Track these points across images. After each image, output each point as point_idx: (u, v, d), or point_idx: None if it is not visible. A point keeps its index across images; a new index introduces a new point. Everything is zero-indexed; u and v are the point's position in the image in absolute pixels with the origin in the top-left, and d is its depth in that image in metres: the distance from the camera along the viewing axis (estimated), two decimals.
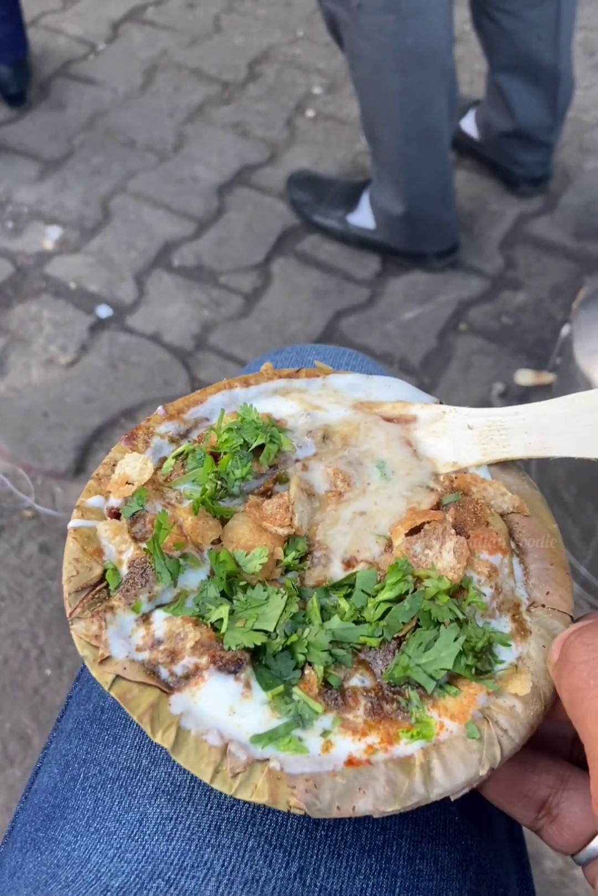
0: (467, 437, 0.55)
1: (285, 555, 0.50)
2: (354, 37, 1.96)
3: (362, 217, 2.40)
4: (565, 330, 1.69)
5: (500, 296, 2.32)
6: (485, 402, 2.07)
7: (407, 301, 2.31)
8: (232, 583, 0.49)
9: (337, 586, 0.49)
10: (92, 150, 2.74)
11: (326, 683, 0.46)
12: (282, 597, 0.47)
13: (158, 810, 0.50)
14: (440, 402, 0.59)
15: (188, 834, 0.49)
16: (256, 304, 2.31)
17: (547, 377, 2.09)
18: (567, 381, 1.56)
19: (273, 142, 2.78)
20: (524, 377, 2.12)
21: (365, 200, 2.40)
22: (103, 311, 2.29)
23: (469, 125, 2.58)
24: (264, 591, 0.48)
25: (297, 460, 0.55)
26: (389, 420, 0.57)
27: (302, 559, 0.51)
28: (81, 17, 3.26)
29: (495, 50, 2.31)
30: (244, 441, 0.54)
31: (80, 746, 0.57)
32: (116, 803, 0.51)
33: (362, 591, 0.49)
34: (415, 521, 0.50)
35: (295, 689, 0.45)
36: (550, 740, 0.50)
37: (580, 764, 0.48)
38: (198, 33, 3.21)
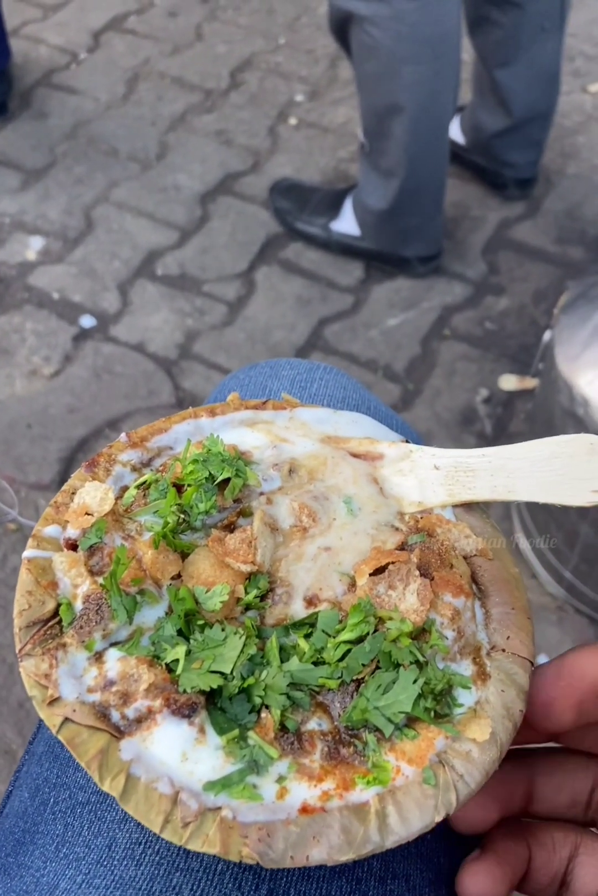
0: (433, 477, 0.55)
1: (247, 592, 0.49)
2: (369, 29, 1.98)
3: (346, 224, 2.41)
4: (547, 335, 1.70)
5: (483, 301, 2.33)
6: (470, 408, 2.08)
7: (391, 308, 2.32)
8: (190, 621, 0.47)
9: (298, 625, 0.48)
10: (74, 159, 2.74)
11: (282, 727, 0.45)
12: (240, 637, 0.46)
13: (128, 835, 0.50)
14: (407, 441, 0.58)
15: (157, 858, 0.49)
16: (241, 312, 2.31)
17: (531, 382, 2.10)
18: (550, 387, 1.56)
19: (256, 150, 2.78)
20: (508, 382, 2.13)
21: (348, 207, 2.40)
22: (87, 321, 2.28)
23: (454, 131, 2.60)
24: (223, 630, 0.46)
25: (261, 494, 0.54)
26: (356, 456, 0.56)
27: (263, 596, 0.49)
28: (63, 27, 3.26)
29: (496, 46, 2.35)
30: (210, 474, 0.52)
31: (51, 770, 0.56)
32: (86, 828, 0.51)
33: (323, 631, 0.48)
34: (380, 560, 0.49)
35: (250, 734, 0.44)
36: (564, 807, 0.50)
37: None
38: (180, 42, 3.21)
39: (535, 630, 0.51)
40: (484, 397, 2.10)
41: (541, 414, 1.63)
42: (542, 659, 1.65)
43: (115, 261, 2.43)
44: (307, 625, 0.48)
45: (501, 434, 2.01)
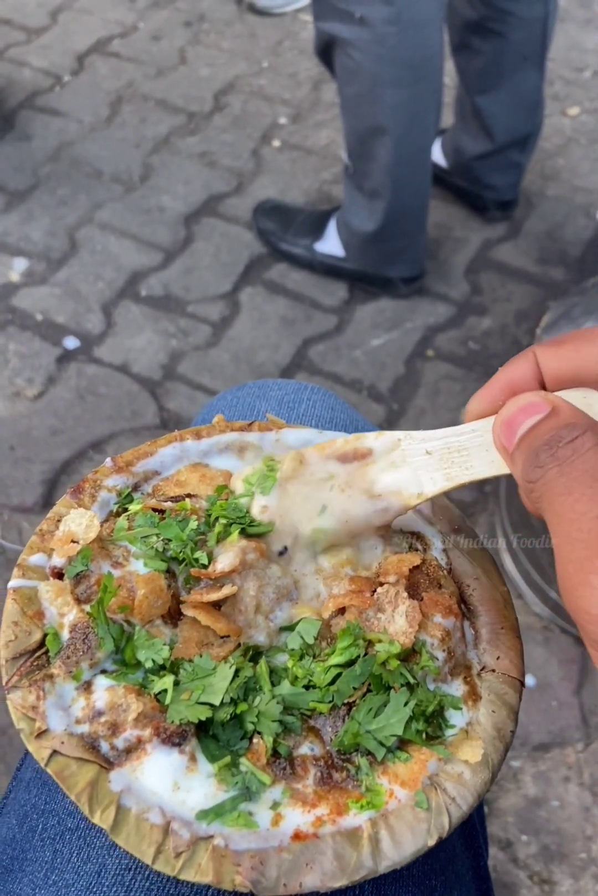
0: (427, 463, 0.52)
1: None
2: (351, 52, 2.00)
3: (329, 245, 2.42)
4: None
5: (466, 321, 2.35)
6: None
7: (374, 328, 2.33)
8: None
9: (285, 628, 0.49)
10: (58, 181, 2.74)
11: (275, 752, 0.44)
12: (230, 667, 0.46)
13: (117, 861, 0.49)
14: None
15: (147, 884, 0.48)
16: (225, 333, 2.31)
17: None
18: None
19: (240, 172, 2.80)
20: None
21: (332, 228, 2.42)
22: (70, 343, 2.27)
23: (436, 154, 2.63)
24: (212, 661, 0.46)
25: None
26: (345, 458, 0.54)
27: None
28: (47, 50, 3.27)
29: (478, 72, 2.38)
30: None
31: (39, 796, 0.55)
32: (75, 855, 0.50)
33: (300, 635, 0.48)
34: (342, 602, 0.49)
35: (242, 760, 0.44)
36: None
37: None
38: (163, 65, 3.23)
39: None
40: None
41: None
42: (529, 680, 1.65)
43: (99, 282, 2.43)
44: (298, 642, 0.48)
45: None
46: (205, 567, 0.50)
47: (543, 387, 0.48)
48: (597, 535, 0.38)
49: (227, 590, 0.48)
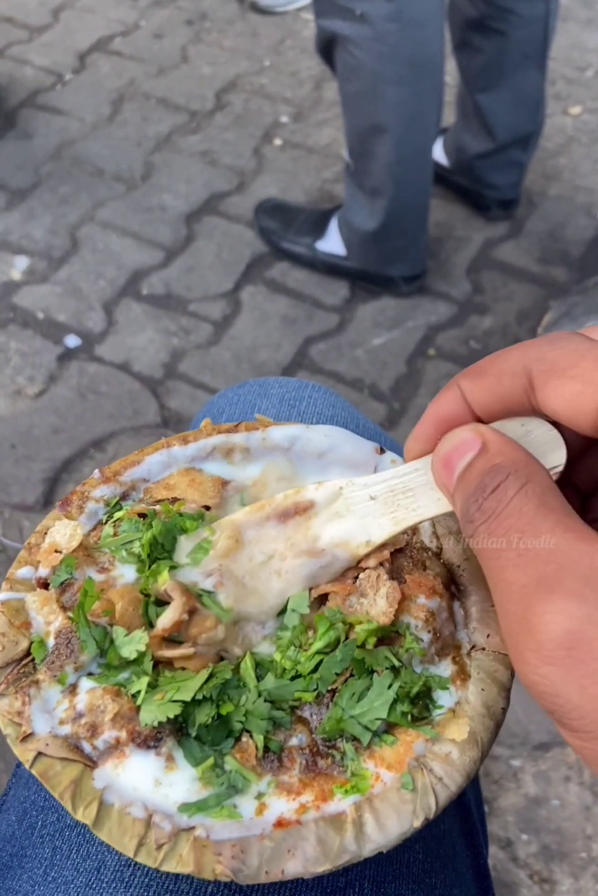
0: (372, 509, 0.50)
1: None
2: (352, 50, 2.00)
3: (331, 243, 2.42)
4: None
5: (467, 320, 2.35)
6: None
7: (376, 327, 2.33)
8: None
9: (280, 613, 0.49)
10: (59, 179, 2.74)
11: (266, 749, 0.44)
12: (207, 668, 0.46)
13: (116, 857, 0.49)
14: (383, 450, 0.56)
15: (147, 880, 0.48)
16: (226, 331, 2.31)
17: None
18: None
19: (241, 170, 2.80)
20: None
21: (333, 227, 2.42)
22: (72, 341, 2.28)
23: (438, 153, 2.62)
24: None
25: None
26: (286, 513, 0.52)
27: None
28: (48, 48, 3.27)
29: (479, 71, 2.37)
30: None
31: (39, 793, 0.55)
32: (74, 851, 0.50)
33: (294, 610, 0.48)
34: (324, 590, 0.49)
35: (227, 758, 0.44)
36: None
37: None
38: (165, 63, 3.23)
39: None
40: None
41: None
42: None
43: (100, 280, 2.43)
44: (294, 620, 0.48)
45: None
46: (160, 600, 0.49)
47: (477, 418, 0.45)
48: (525, 606, 0.35)
49: (183, 650, 0.47)
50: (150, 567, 0.50)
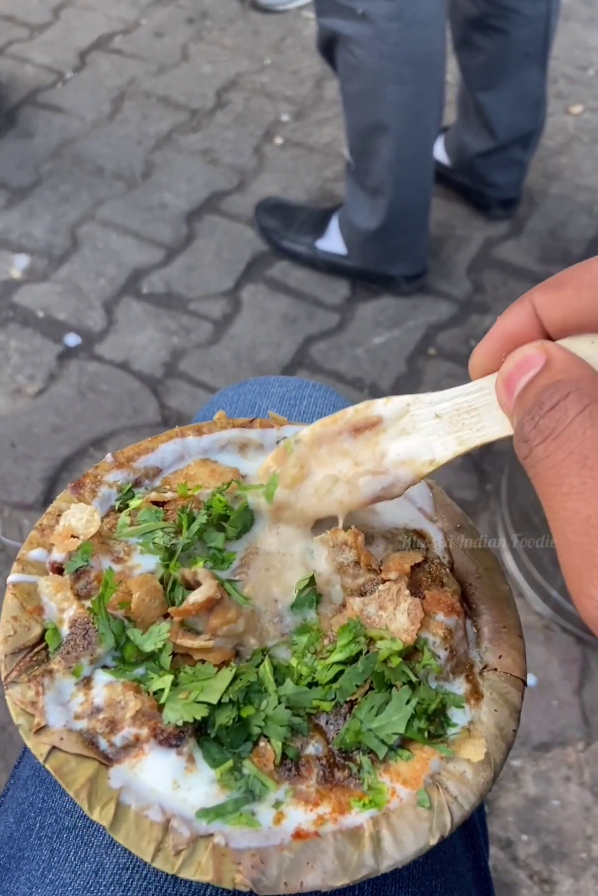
0: (437, 428, 0.49)
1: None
2: (353, 48, 2.00)
3: (331, 242, 2.41)
4: None
5: (468, 320, 2.34)
6: None
7: (376, 326, 2.32)
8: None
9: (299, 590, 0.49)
10: (60, 178, 2.74)
11: (283, 755, 0.44)
12: (231, 670, 0.45)
13: (115, 860, 0.49)
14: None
15: (145, 883, 0.48)
16: (226, 330, 2.31)
17: None
18: None
19: (242, 169, 2.79)
20: None
21: (334, 226, 2.41)
22: (72, 340, 2.27)
23: (438, 152, 2.62)
24: (213, 668, 0.46)
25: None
26: (356, 428, 0.51)
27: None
28: (49, 46, 3.27)
29: (480, 70, 2.37)
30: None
31: (37, 794, 0.55)
32: (72, 853, 0.50)
33: (300, 608, 0.48)
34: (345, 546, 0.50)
35: (246, 763, 0.43)
36: None
37: None
38: (165, 62, 3.22)
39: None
40: None
41: None
42: (530, 679, 1.65)
43: (100, 279, 2.43)
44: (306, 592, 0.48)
45: (487, 451, 2.02)
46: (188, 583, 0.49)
47: (548, 335, 0.42)
48: (591, 539, 0.33)
49: (202, 641, 0.46)
50: (183, 551, 0.49)
